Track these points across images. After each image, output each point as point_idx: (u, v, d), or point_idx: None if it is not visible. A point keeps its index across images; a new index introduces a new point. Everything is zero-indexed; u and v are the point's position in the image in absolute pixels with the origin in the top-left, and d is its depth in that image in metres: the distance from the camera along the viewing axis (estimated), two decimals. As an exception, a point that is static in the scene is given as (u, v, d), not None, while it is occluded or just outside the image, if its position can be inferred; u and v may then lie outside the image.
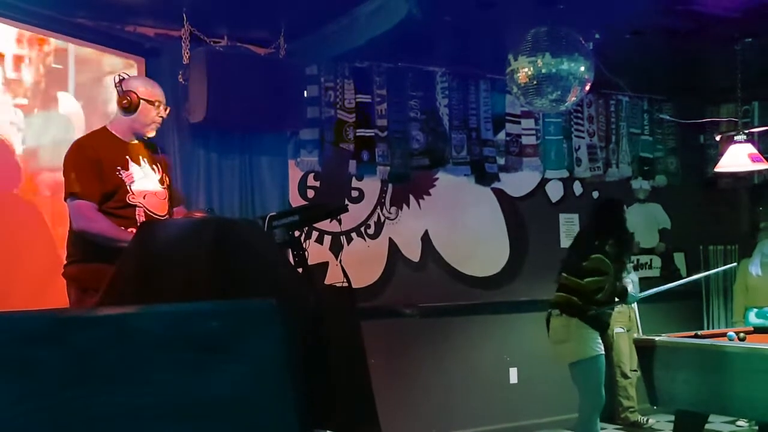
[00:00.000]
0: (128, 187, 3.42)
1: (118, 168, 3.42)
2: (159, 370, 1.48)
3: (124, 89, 3.51)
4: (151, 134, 3.59)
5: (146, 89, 3.54)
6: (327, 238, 5.52)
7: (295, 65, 5.00)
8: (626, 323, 6.27)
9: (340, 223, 4.57)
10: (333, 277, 5.25)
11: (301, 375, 2.39)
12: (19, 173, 4.18)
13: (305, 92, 5.11)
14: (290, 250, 3.30)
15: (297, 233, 3.34)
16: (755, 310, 6.14)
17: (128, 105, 3.49)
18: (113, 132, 3.54)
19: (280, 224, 3.20)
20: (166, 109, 3.61)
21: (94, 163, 3.37)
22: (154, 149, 3.68)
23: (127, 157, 3.47)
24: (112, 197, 3.39)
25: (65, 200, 3.40)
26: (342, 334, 2.95)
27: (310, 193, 5.50)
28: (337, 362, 2.83)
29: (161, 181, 3.59)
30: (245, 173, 5.06)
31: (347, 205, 5.20)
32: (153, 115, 3.54)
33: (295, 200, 5.37)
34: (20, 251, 3.97)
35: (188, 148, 4.85)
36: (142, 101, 3.49)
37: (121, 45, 4.67)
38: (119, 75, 3.63)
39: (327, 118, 5.49)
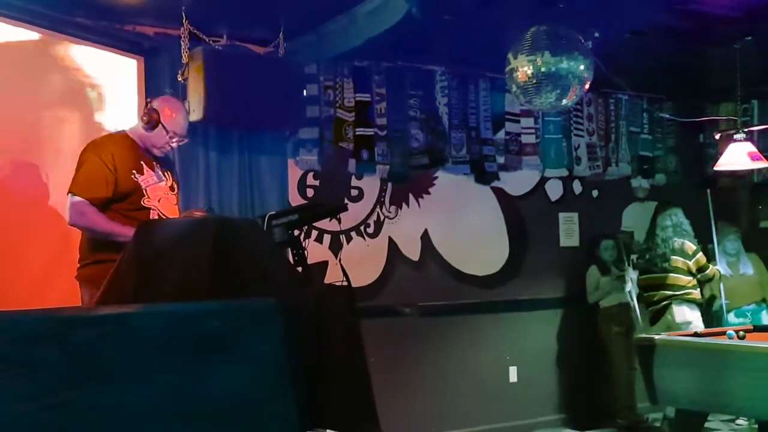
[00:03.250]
0: (144, 191, 3.49)
1: (134, 171, 3.48)
2: (159, 370, 1.48)
3: (151, 106, 3.59)
4: (158, 154, 3.68)
5: (170, 116, 3.63)
6: (326, 237, 5.52)
7: (295, 64, 4.99)
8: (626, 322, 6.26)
9: (339, 222, 4.58)
10: (332, 277, 5.24)
11: (300, 375, 2.39)
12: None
13: (304, 91, 5.10)
14: (290, 249, 3.30)
15: (296, 232, 3.35)
16: (734, 310, 6.14)
17: (146, 121, 3.59)
18: (132, 137, 3.60)
19: (280, 223, 3.20)
20: (181, 141, 3.71)
21: (105, 166, 3.42)
22: (166, 159, 3.76)
23: (142, 162, 3.55)
24: (126, 199, 3.45)
25: (67, 194, 3.44)
26: (341, 333, 2.94)
27: (310, 192, 5.49)
28: (337, 362, 2.83)
29: (171, 188, 3.68)
30: (244, 172, 5.06)
31: (347, 204, 5.20)
32: (164, 141, 3.63)
33: (295, 199, 5.36)
34: (20, 251, 3.97)
35: (187, 147, 4.83)
36: (160, 125, 3.57)
37: (120, 44, 4.67)
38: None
39: (326, 117, 5.48)
